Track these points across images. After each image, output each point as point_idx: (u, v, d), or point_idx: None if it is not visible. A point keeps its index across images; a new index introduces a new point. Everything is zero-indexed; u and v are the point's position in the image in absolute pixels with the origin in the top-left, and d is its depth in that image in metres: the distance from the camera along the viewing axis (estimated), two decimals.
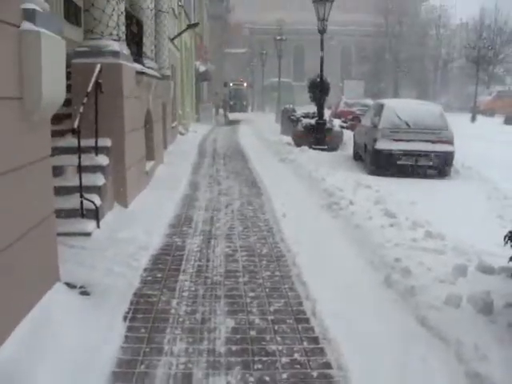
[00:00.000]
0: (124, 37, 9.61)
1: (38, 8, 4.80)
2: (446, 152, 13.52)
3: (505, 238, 4.97)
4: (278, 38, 38.71)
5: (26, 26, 4.63)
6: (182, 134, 23.30)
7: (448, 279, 5.67)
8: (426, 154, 13.47)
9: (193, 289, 5.80)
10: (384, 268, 6.23)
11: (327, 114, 24.05)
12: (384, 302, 5.46)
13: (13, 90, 4.48)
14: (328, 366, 4.27)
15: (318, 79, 19.06)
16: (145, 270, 6.35)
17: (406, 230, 7.60)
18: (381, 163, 13.55)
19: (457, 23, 68.71)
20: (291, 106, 26.67)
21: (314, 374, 4.15)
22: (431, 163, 13.65)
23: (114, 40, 8.87)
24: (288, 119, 22.87)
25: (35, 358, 4.04)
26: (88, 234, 7.19)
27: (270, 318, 5.10)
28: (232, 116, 38.38)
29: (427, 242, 7.07)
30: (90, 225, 7.38)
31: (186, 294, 5.66)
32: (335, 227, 8.32)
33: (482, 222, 8.49)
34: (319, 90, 18.96)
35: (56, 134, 7.87)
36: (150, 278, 6.09)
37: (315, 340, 4.68)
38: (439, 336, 4.63)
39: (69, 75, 8.20)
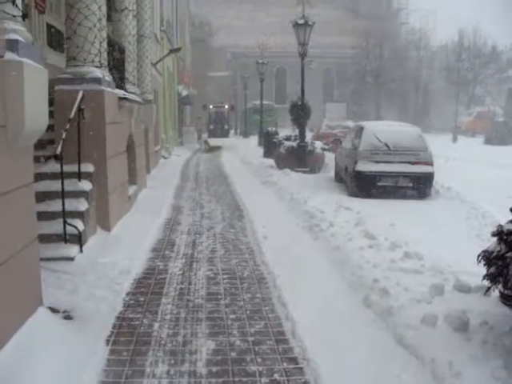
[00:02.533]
0: (106, 63, 9.73)
1: (20, 38, 4.92)
2: (425, 173, 13.70)
3: (478, 257, 5.10)
4: (260, 61, 38.93)
5: (9, 56, 4.74)
6: (165, 157, 23.41)
7: (425, 299, 5.79)
8: (405, 176, 13.65)
9: (175, 312, 5.87)
10: (363, 289, 6.35)
11: (309, 136, 24.30)
12: (362, 322, 5.57)
13: None
14: None
15: (300, 102, 19.30)
16: (127, 293, 6.41)
17: (384, 251, 7.72)
18: (361, 185, 13.71)
19: (437, 45, 69.61)
20: (274, 128, 26.87)
21: None
22: (411, 184, 13.82)
23: (96, 67, 8.99)
24: (270, 142, 23.05)
25: (19, 380, 4.09)
26: (71, 259, 7.25)
27: (251, 339, 5.18)
28: (212, 142, 34.75)
29: (405, 263, 7.18)
30: (72, 250, 7.44)
31: (168, 316, 5.74)
32: (316, 249, 8.43)
33: (461, 242, 8.60)
34: (300, 112, 19.18)
35: (39, 159, 7.98)
36: (132, 302, 6.16)
37: (294, 360, 4.77)
38: (415, 354, 4.74)
39: (52, 101, 8.32)
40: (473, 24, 62.68)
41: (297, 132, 21.15)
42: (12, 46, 4.79)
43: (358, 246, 7.94)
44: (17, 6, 5.08)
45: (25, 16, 5.50)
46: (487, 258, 4.99)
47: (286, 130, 36.71)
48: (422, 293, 5.94)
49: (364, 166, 13.66)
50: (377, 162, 13.71)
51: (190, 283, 6.84)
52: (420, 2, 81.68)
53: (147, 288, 6.64)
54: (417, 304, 5.66)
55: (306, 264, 7.55)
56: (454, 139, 41.37)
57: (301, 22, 18.32)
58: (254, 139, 37.01)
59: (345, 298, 6.24)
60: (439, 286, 6.06)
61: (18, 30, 5.01)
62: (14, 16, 5.04)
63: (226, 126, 40.40)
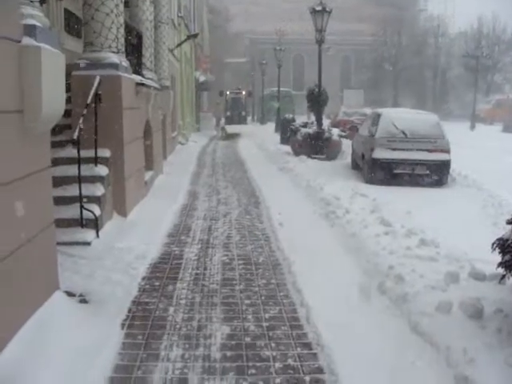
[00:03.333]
0: (123, 49, 9.75)
1: (38, 24, 4.95)
2: (442, 161, 13.63)
3: (493, 245, 5.08)
4: (278, 48, 38.83)
5: (27, 41, 4.76)
6: (182, 143, 23.45)
7: (440, 286, 5.77)
8: (422, 163, 13.59)
9: (190, 296, 5.91)
10: (378, 275, 6.35)
11: (326, 123, 24.20)
12: (377, 308, 5.58)
13: (13, 103, 4.61)
14: (320, 370, 4.38)
15: (317, 89, 19.23)
16: (143, 278, 6.46)
17: (400, 238, 7.70)
18: (378, 172, 13.66)
19: (455, 32, 68.92)
20: (291, 115, 26.79)
21: (307, 378, 4.26)
22: (428, 172, 13.75)
23: (113, 52, 9.01)
24: (287, 129, 23.00)
25: (36, 362, 4.16)
26: (87, 244, 7.30)
27: (265, 324, 5.21)
28: (229, 129, 33.70)
29: (421, 250, 7.17)
30: (89, 234, 7.49)
31: (183, 301, 5.77)
32: (331, 236, 8.43)
33: (477, 230, 8.57)
34: (318, 99, 19.12)
35: (56, 144, 8.03)
36: (147, 287, 6.20)
37: (308, 346, 4.79)
38: (430, 341, 4.74)
39: (69, 87, 8.36)
40: (492, 11, 61.98)
41: (313, 119, 21.06)
42: (29, 31, 4.82)
43: (374, 233, 7.93)
44: None
45: (42, 1, 5.54)
46: (502, 245, 4.97)
47: (303, 117, 36.63)
48: (437, 280, 5.93)
49: (381, 153, 13.62)
50: (393, 149, 13.65)
51: (205, 268, 6.88)
52: None
53: (163, 273, 6.68)
54: (432, 291, 5.65)
55: (321, 251, 7.55)
56: (472, 127, 41.06)
57: (318, 8, 18.20)
58: (271, 126, 36.78)
59: (360, 284, 6.22)
60: (454, 274, 6.04)
61: (35, 16, 5.04)
62: (31, 1, 5.08)
63: (243, 113, 39.06)
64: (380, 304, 5.68)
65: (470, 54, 48.73)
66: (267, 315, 5.42)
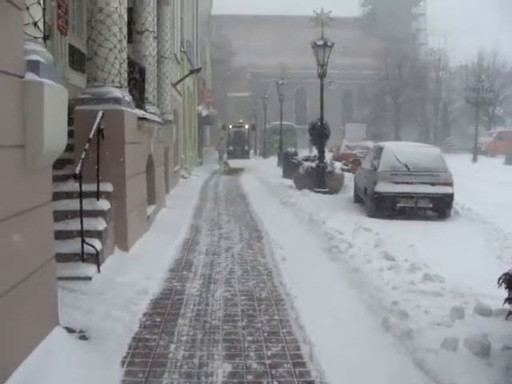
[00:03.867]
0: (126, 83, 9.81)
1: (41, 59, 4.97)
2: (445, 194, 13.60)
3: (499, 280, 5.02)
4: (280, 82, 39.13)
5: (30, 76, 4.78)
6: (184, 177, 23.47)
7: (445, 322, 5.70)
8: (425, 197, 13.55)
9: (191, 333, 5.82)
10: (382, 311, 6.27)
11: (329, 156, 24.25)
12: (381, 345, 5.49)
13: (15, 138, 4.61)
14: None
15: (319, 123, 19.31)
16: (144, 314, 6.38)
17: (404, 273, 7.64)
18: (381, 206, 13.63)
19: (456, 66, 69.57)
20: (293, 149, 26.89)
21: None
22: (431, 205, 13.72)
23: (116, 87, 9.07)
24: (290, 162, 23.06)
25: None
26: (88, 279, 7.24)
27: (268, 362, 5.12)
28: (232, 163, 33.00)
29: (425, 285, 7.10)
30: (90, 269, 7.43)
31: (184, 338, 5.69)
32: (334, 270, 8.37)
33: (481, 264, 8.48)
34: (320, 133, 19.19)
35: (58, 178, 8.02)
36: (148, 323, 6.12)
37: None
38: (435, 379, 4.65)
39: (72, 121, 8.40)
40: (492, 45, 62.67)
41: (315, 152, 21.09)
42: (33, 66, 4.84)
43: (377, 268, 7.87)
44: (38, 27, 5.14)
45: (46, 37, 5.57)
46: (509, 280, 4.91)
47: (305, 151, 36.72)
48: (442, 316, 5.85)
49: (383, 187, 13.59)
50: (396, 182, 13.64)
51: (207, 304, 6.79)
52: (439, 23, 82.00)
53: (164, 309, 6.60)
54: (437, 327, 5.57)
55: (324, 286, 7.49)
56: (474, 159, 41.09)
57: (320, 43, 18.37)
58: (273, 159, 36.85)
59: (363, 320, 6.15)
60: (460, 309, 5.97)
61: (38, 51, 5.06)
62: (35, 37, 5.10)
63: (246, 147, 38.30)
64: (384, 340, 5.59)
65: (471, 88, 49.03)
66: (270, 352, 5.33)
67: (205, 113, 38.78)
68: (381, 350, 5.37)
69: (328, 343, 5.44)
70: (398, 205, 13.63)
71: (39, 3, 5.14)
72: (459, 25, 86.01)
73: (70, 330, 5.62)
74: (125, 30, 9.79)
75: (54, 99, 5.09)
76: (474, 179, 21.76)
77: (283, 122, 40.32)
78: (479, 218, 13.26)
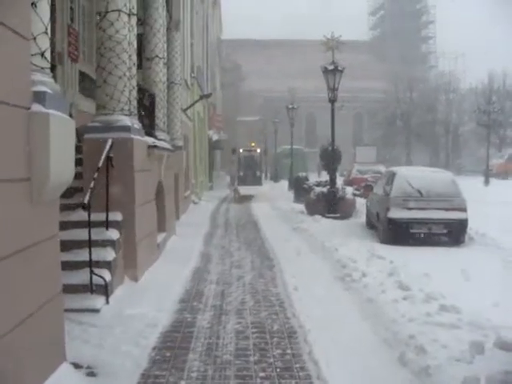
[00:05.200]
0: (135, 111, 9.77)
1: (48, 90, 4.89)
2: (459, 219, 13.41)
3: None
4: (290, 106, 39.13)
5: (36, 108, 4.70)
6: (195, 202, 23.39)
7: (464, 358, 5.49)
8: (439, 222, 13.37)
9: (202, 369, 5.65)
10: (398, 345, 6.08)
11: (340, 181, 24.13)
12: (399, 382, 5.29)
13: (21, 171, 4.52)
14: None
15: (330, 148, 19.20)
16: (153, 348, 6.22)
17: (419, 304, 7.43)
18: (394, 232, 13.44)
19: (466, 88, 69.56)
20: (304, 174, 26.81)
21: None
22: (444, 231, 13.54)
23: (126, 115, 9.02)
24: (301, 187, 22.95)
25: None
26: (97, 311, 7.12)
27: None
28: (243, 190, 30.73)
29: (442, 317, 6.88)
30: (98, 301, 7.31)
31: (194, 374, 5.52)
32: (348, 301, 8.18)
33: (499, 293, 8.27)
34: (331, 158, 19.09)
35: (66, 207, 7.93)
36: (158, 357, 5.96)
37: None
38: None
39: (80, 149, 8.33)
40: (502, 66, 62.59)
41: (324, 176, 20.97)
42: (39, 97, 4.77)
43: (392, 299, 7.67)
44: (45, 58, 5.08)
45: (53, 67, 5.50)
46: None
47: (314, 174, 36.60)
48: (461, 351, 5.64)
49: (396, 213, 13.42)
50: (409, 208, 13.47)
51: (218, 337, 6.62)
52: (448, 45, 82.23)
53: (174, 342, 6.43)
54: (456, 363, 5.36)
55: (337, 317, 7.30)
56: (486, 182, 40.76)
57: (330, 67, 18.32)
58: (283, 183, 36.66)
59: (379, 355, 5.97)
60: (479, 344, 5.75)
61: (45, 82, 4.99)
62: (42, 68, 5.03)
63: (257, 173, 36.42)
64: (402, 377, 5.39)
65: (482, 110, 48.86)
66: None
67: (215, 137, 38.79)
68: None
69: (343, 380, 5.28)
70: (411, 231, 13.44)
71: (46, 33, 5.08)
72: (469, 47, 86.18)
73: (77, 366, 5.48)
74: (134, 57, 9.77)
75: (61, 130, 5.01)
76: (487, 203, 21.48)
77: (294, 146, 40.25)
78: (494, 243, 13.02)
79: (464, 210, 13.54)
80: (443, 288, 8.10)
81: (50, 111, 4.76)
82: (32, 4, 4.79)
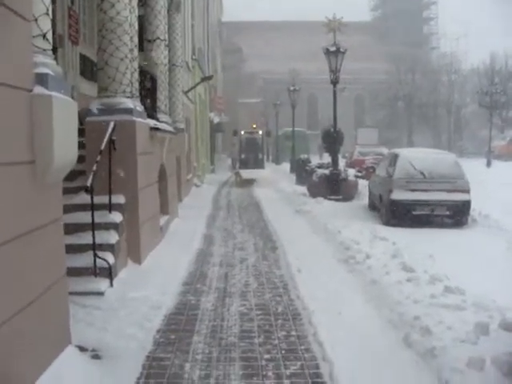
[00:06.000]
0: (137, 93, 9.70)
1: (50, 72, 4.84)
2: (462, 201, 13.39)
3: None
4: (292, 88, 38.91)
5: (38, 90, 4.65)
6: (197, 185, 23.34)
7: (469, 339, 5.48)
8: (441, 204, 13.36)
9: (207, 351, 5.66)
10: (403, 327, 6.07)
11: (342, 163, 24.05)
12: (404, 363, 5.29)
13: (25, 154, 4.48)
14: None
15: (332, 130, 19.13)
16: (158, 331, 6.22)
17: (424, 285, 7.42)
18: (396, 214, 13.43)
19: (468, 69, 69.14)
20: (306, 156, 26.71)
21: None
22: (447, 213, 13.53)
23: (128, 97, 8.95)
24: (303, 170, 22.89)
25: None
26: (101, 294, 7.13)
27: (286, 382, 4.95)
28: (245, 174, 29.10)
29: (446, 298, 6.87)
30: (102, 284, 7.31)
31: (199, 356, 5.53)
32: (352, 283, 8.17)
33: (503, 275, 8.27)
34: (333, 140, 19.02)
35: (69, 191, 7.89)
36: (162, 340, 5.96)
37: None
38: None
39: (82, 132, 8.28)
40: (504, 47, 62.15)
41: (326, 158, 20.88)
42: (41, 79, 4.72)
43: (396, 280, 7.66)
44: (47, 39, 5.02)
45: (55, 49, 5.44)
46: None
47: (316, 156, 36.47)
48: (466, 332, 5.63)
49: (399, 195, 13.40)
50: (412, 190, 13.44)
51: (222, 320, 6.62)
52: (450, 26, 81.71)
53: (178, 325, 6.44)
54: (461, 345, 5.35)
55: (342, 299, 7.30)
56: (488, 164, 40.65)
57: (332, 49, 18.19)
58: (285, 166, 36.53)
59: (384, 336, 5.96)
60: (484, 325, 5.74)
61: (47, 64, 4.94)
62: (44, 50, 4.97)
63: (260, 155, 34.05)
64: (407, 358, 5.39)
65: (484, 91, 48.63)
66: (288, 371, 5.15)
67: (216, 120, 38.64)
68: (404, 368, 5.18)
69: (349, 361, 5.26)
70: (414, 212, 13.43)
71: (48, 14, 5.01)
72: (471, 27, 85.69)
73: (82, 349, 5.49)
74: (136, 39, 9.68)
75: (64, 113, 4.96)
76: (490, 184, 21.43)
77: (295, 128, 40.02)
78: (497, 225, 13.01)
79: (467, 191, 13.51)
80: (447, 270, 8.08)
81: (53, 93, 4.71)
82: None
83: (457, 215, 13.58)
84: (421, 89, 64.07)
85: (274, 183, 25.50)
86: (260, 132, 37.00)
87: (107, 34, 8.86)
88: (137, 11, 9.84)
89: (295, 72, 53.97)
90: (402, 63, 64.92)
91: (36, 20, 4.80)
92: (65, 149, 4.98)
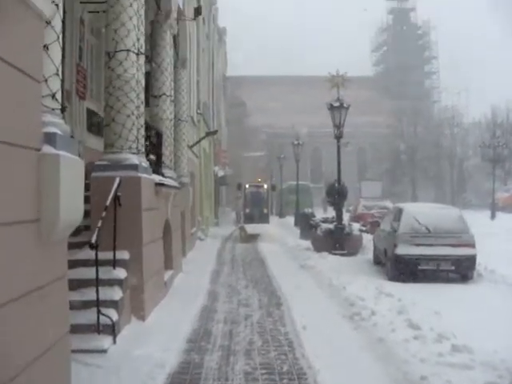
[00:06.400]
0: (143, 149, 9.79)
1: (58, 132, 4.89)
2: (467, 256, 13.32)
3: None
4: (295, 142, 39.22)
5: (46, 149, 4.69)
6: (201, 239, 23.32)
7: None
8: (447, 259, 13.29)
9: None
10: None
11: (346, 217, 24.03)
12: None
13: (31, 212, 4.48)
14: None
15: (337, 184, 19.20)
16: None
17: (431, 344, 7.32)
18: (401, 269, 13.36)
19: (470, 122, 69.88)
20: (310, 210, 26.76)
21: None
22: (453, 268, 13.45)
23: (133, 153, 9.04)
24: (307, 224, 22.89)
25: None
26: (104, 351, 7.05)
27: None
28: (249, 229, 28.12)
29: (454, 357, 6.77)
30: (105, 341, 7.24)
31: None
32: (358, 340, 8.06)
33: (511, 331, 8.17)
34: (337, 194, 19.08)
35: (73, 246, 7.86)
36: None
37: None
38: None
39: (88, 186, 8.32)
40: (505, 100, 62.84)
41: (330, 212, 20.87)
42: (50, 139, 4.76)
43: (403, 338, 7.56)
44: (56, 99, 5.09)
45: (64, 109, 5.52)
46: None
47: (319, 209, 36.41)
48: None
49: (404, 250, 13.35)
50: (417, 244, 13.40)
51: (226, 379, 6.51)
52: (451, 80, 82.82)
53: None
54: None
55: (347, 357, 7.19)
56: (492, 216, 40.60)
57: (336, 104, 18.41)
58: (289, 219, 36.42)
59: None
60: None
61: (56, 123, 5.00)
62: (53, 109, 5.04)
63: (265, 210, 34.08)
64: None
65: (487, 145, 48.99)
66: None
67: (221, 173, 38.79)
68: None
69: None
70: (419, 267, 13.35)
71: (57, 75, 5.09)
72: (472, 81, 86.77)
73: None
74: (142, 96, 9.83)
75: (71, 171, 5.00)
76: (495, 237, 21.35)
77: (299, 182, 40.17)
78: (504, 280, 12.88)
79: (472, 245, 13.47)
80: (454, 327, 7.98)
81: (61, 152, 4.75)
82: (44, 46, 4.82)
83: (462, 270, 13.51)
84: (423, 142, 64.55)
85: (279, 238, 25.10)
86: (265, 186, 36.37)
87: (114, 91, 9.01)
88: (144, 68, 10.02)
89: (298, 126, 54.54)
90: (404, 117, 65.62)
91: (46, 80, 4.88)
92: (71, 207, 4.99)
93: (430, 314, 8.97)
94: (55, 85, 5.06)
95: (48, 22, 4.90)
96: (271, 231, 27.73)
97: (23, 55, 4.21)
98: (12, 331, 4.02)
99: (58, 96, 5.16)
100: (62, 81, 5.35)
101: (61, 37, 5.19)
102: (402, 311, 9.13)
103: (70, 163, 5.00)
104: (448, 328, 7.96)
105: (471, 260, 13.38)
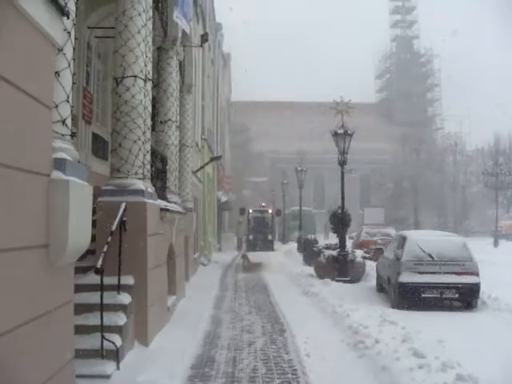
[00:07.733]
0: (149, 174, 9.85)
1: (68, 157, 4.95)
2: (471, 284, 13.28)
3: None
4: (299, 168, 39.29)
5: (56, 175, 4.74)
6: (204, 264, 23.28)
7: None
8: (450, 287, 13.25)
9: None
10: None
11: (349, 244, 24.00)
12: None
13: (39, 237, 4.53)
14: None
15: (340, 211, 19.22)
16: None
17: (435, 373, 7.28)
18: (405, 297, 13.31)
19: (472, 149, 70.14)
20: (313, 236, 26.74)
21: None
22: (457, 296, 13.40)
23: (139, 178, 9.09)
24: (310, 250, 22.86)
25: None
26: (107, 377, 7.03)
27: None
28: (253, 257, 26.29)
29: None
30: (109, 366, 7.22)
31: None
32: (362, 369, 8.03)
33: None
34: (340, 221, 19.10)
35: (78, 270, 7.86)
36: None
37: None
38: None
39: (94, 210, 8.35)
40: (508, 128, 63.18)
41: (332, 238, 20.84)
42: (59, 164, 4.83)
43: (407, 367, 7.52)
44: (66, 125, 5.15)
45: (73, 134, 5.58)
46: None
47: (322, 235, 36.33)
48: None
49: (407, 277, 13.32)
50: (421, 272, 13.37)
51: None
52: (454, 107, 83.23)
53: None
54: None
55: None
56: (496, 243, 40.53)
57: (340, 131, 18.50)
58: (292, 245, 36.33)
59: None
60: None
61: (65, 149, 5.06)
62: (62, 135, 5.11)
63: (269, 236, 32.06)
64: None
65: (489, 172, 49.10)
66: None
67: (224, 198, 38.81)
68: None
69: None
70: (422, 295, 13.31)
71: (68, 101, 5.17)
72: (474, 108, 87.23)
73: None
74: (149, 122, 9.92)
75: (80, 197, 5.05)
76: (498, 265, 21.28)
77: (302, 208, 40.15)
78: (508, 308, 12.83)
79: (476, 274, 13.44)
80: (459, 356, 7.93)
81: (70, 178, 4.80)
82: (56, 73, 4.89)
83: (466, 298, 13.45)
84: (426, 169, 64.69)
85: (284, 267, 24.19)
86: (270, 211, 34.92)
87: (121, 116, 9.08)
88: (150, 94, 10.11)
89: (302, 152, 54.69)
90: (407, 143, 65.83)
91: (57, 106, 4.95)
92: (79, 233, 5.03)
93: (435, 343, 8.92)
94: (65, 111, 5.14)
95: (60, 50, 4.98)
96: (276, 260, 26.23)
97: (35, 82, 4.28)
98: (19, 356, 4.03)
99: (68, 122, 5.23)
100: (71, 106, 5.42)
101: (72, 64, 5.28)
102: (406, 339, 9.08)
103: (79, 189, 5.05)
104: (453, 357, 7.92)
105: (475, 288, 13.33)
